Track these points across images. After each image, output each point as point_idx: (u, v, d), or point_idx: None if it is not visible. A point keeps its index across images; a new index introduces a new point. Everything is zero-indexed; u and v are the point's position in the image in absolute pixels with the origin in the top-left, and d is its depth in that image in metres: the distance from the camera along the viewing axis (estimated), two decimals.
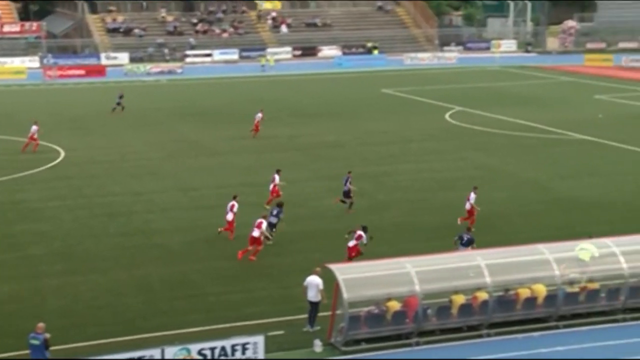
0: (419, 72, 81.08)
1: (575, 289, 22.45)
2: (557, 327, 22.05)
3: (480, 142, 46.14)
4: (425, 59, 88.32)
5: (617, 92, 65.52)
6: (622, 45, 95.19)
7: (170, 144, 46.30)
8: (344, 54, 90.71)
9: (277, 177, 33.31)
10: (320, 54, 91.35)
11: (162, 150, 44.53)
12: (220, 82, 74.08)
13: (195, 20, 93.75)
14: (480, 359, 20.46)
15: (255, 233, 26.84)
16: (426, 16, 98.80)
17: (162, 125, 52.07)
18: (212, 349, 19.32)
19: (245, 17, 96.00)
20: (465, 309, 21.55)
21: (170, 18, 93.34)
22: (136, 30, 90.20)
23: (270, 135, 47.36)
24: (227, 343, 19.51)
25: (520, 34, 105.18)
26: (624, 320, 22.52)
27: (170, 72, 79.72)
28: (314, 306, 21.64)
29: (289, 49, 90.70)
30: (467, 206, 30.36)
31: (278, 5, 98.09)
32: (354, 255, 25.71)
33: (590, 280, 22.69)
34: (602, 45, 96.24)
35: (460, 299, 21.60)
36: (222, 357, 19.40)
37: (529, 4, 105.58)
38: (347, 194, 32.61)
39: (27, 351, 18.92)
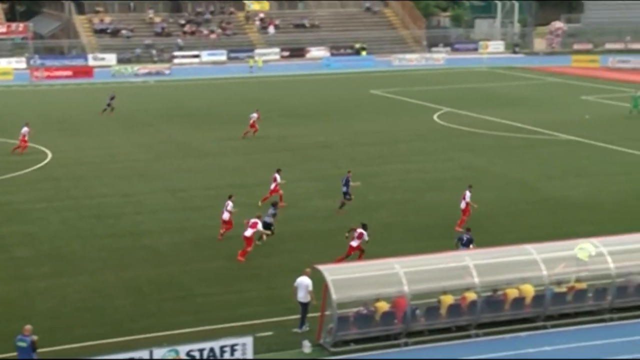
0: (407, 73, 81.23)
1: (563, 289, 22.55)
2: (544, 327, 22.14)
3: (468, 142, 46.27)
4: (413, 60, 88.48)
5: (603, 92, 65.86)
6: (608, 46, 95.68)
7: (159, 145, 46.19)
8: (332, 55, 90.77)
9: (277, 176, 33.34)
10: (308, 55, 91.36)
11: (150, 152, 44.43)
12: (209, 83, 73.98)
13: (183, 21, 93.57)
14: (468, 359, 20.52)
15: (248, 233, 26.84)
16: (414, 17, 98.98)
17: (150, 127, 51.95)
18: (201, 350, 19.30)
19: (233, 18, 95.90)
20: (454, 309, 21.61)
21: (157, 19, 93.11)
22: (124, 31, 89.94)
23: (259, 136, 47.32)
24: (216, 344, 19.49)
25: (507, 35, 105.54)
26: (611, 320, 22.63)
27: (158, 73, 79.55)
28: (304, 307, 21.65)
29: (277, 50, 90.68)
30: (462, 205, 30.46)
31: (266, 6, 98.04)
32: (360, 254, 25.70)
33: (578, 280, 22.80)
34: (589, 46, 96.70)
35: (448, 300, 21.65)
36: (211, 358, 19.37)
37: (517, 5, 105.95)
38: (346, 194, 32.64)
39: (14, 353, 18.83)
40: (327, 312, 21.06)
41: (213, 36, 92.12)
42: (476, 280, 21.61)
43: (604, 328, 22.29)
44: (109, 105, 55.63)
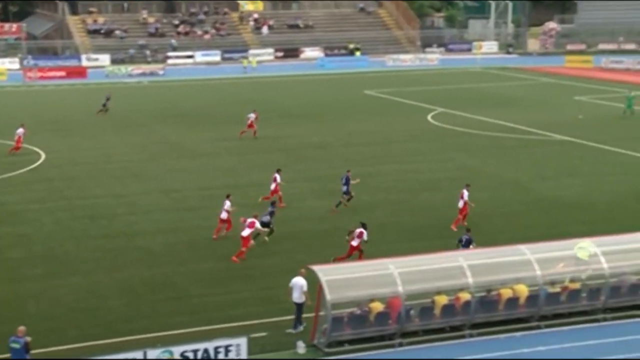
0: (401, 73, 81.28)
1: (557, 289, 22.59)
2: (538, 327, 22.18)
3: (462, 143, 46.33)
4: (407, 60, 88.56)
5: (597, 93, 66.01)
6: (601, 46, 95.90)
7: (152, 145, 46.13)
8: (326, 55, 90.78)
9: (277, 176, 33.34)
10: (302, 56, 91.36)
11: (144, 152, 44.36)
12: (202, 84, 73.91)
13: (176, 22, 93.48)
14: (462, 359, 20.53)
15: (245, 233, 26.85)
16: (408, 18, 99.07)
17: (144, 127, 51.87)
18: (195, 351, 19.28)
19: (227, 19, 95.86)
20: (448, 309, 21.63)
21: (151, 19, 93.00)
22: (117, 32, 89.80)
23: (252, 137, 47.27)
24: (210, 345, 19.47)
25: (501, 36, 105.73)
26: (605, 320, 22.68)
27: (152, 73, 79.43)
28: (298, 307, 21.65)
29: (271, 50, 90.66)
30: (460, 204, 30.53)
31: (260, 6, 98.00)
32: (359, 254, 25.75)
33: (572, 281, 22.84)
34: (582, 46, 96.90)
35: (442, 300, 21.67)
36: (205, 359, 19.34)
37: (510, 6, 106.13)
38: (345, 194, 32.69)
39: (7, 355, 18.76)
40: (322, 313, 21.06)
41: (207, 36, 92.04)
42: (470, 280, 21.63)
43: (598, 328, 22.33)
44: (104, 105, 55.56)
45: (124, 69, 79.93)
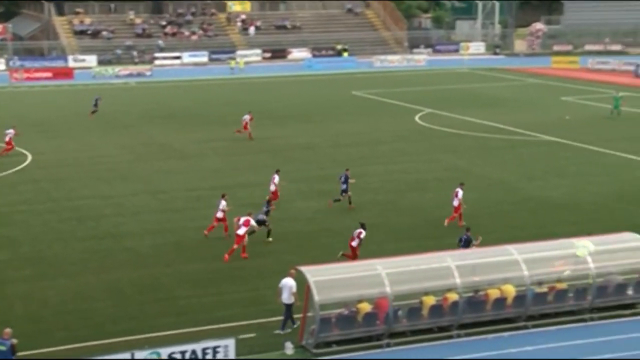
0: (389, 74, 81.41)
1: (544, 289, 22.68)
2: (526, 327, 22.25)
3: (449, 143, 46.45)
4: (394, 61, 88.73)
5: (583, 93, 66.33)
6: (588, 47, 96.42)
7: (140, 146, 46.01)
8: (314, 56, 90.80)
9: (277, 177, 33.36)
10: (290, 57, 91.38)
11: (132, 153, 44.23)
12: (190, 85, 73.79)
13: (164, 23, 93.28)
14: (450, 359, 20.63)
15: (241, 231, 26.86)
16: (395, 18, 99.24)
17: (131, 128, 51.73)
18: (183, 353, 19.24)
19: (214, 20, 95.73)
20: (436, 310, 21.67)
21: (138, 20, 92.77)
22: (104, 33, 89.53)
23: (241, 138, 47.26)
24: (198, 346, 19.44)
25: (488, 37, 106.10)
26: (591, 319, 22.79)
27: (139, 74, 79.22)
28: (287, 308, 21.65)
29: (258, 51, 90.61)
30: (455, 203, 30.65)
31: (248, 7, 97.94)
32: (355, 253, 25.82)
33: (559, 280, 22.94)
34: (569, 47, 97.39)
35: (430, 300, 21.71)
36: None
37: (497, 7, 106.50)
38: (344, 192, 32.78)
39: None
40: (310, 314, 21.06)
41: (194, 37, 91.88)
42: (458, 281, 21.69)
43: (584, 328, 22.44)
44: (95, 106, 55.44)
45: (111, 70, 79.67)
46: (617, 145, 45.13)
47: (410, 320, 21.60)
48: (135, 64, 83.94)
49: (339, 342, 21.00)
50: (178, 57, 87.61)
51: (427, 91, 68.37)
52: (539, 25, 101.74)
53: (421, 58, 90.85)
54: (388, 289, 21.01)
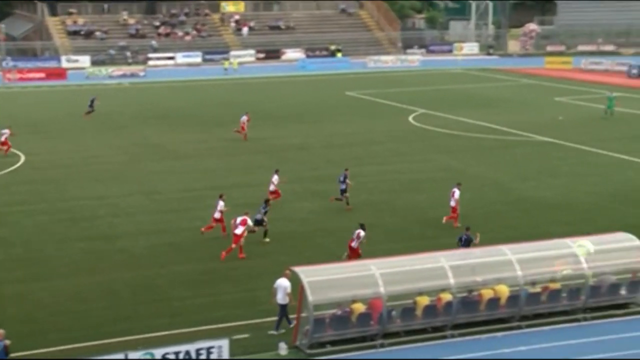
0: (383, 74, 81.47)
1: (537, 289, 22.73)
2: (519, 327, 22.30)
3: (443, 144, 46.52)
4: (388, 61, 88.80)
5: (576, 94, 66.48)
6: (581, 48, 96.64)
7: (134, 147, 45.96)
8: (308, 56, 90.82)
9: (276, 177, 33.39)
10: (283, 57, 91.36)
11: (126, 154, 44.18)
12: (184, 85, 73.72)
13: (157, 23, 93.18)
14: None
15: (238, 231, 26.89)
16: (389, 19, 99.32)
17: (125, 129, 51.66)
18: (177, 353, 19.23)
19: (208, 20, 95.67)
20: (430, 310, 21.70)
21: (132, 21, 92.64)
22: (97, 33, 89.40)
23: (235, 138, 47.26)
24: (192, 347, 19.43)
25: (481, 37, 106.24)
26: (585, 319, 22.84)
27: (132, 75, 79.10)
28: (282, 309, 21.66)
29: (252, 51, 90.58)
30: (452, 203, 30.70)
31: (241, 7, 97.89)
32: (349, 254, 25.84)
33: (552, 280, 23.00)
34: (562, 48, 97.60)
35: (424, 301, 21.74)
36: None
37: (491, 7, 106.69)
38: (343, 192, 32.81)
39: None
40: (304, 314, 21.07)
41: (188, 38, 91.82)
42: (452, 281, 21.72)
43: (578, 328, 22.49)
44: (91, 106, 55.37)
45: (104, 70, 79.55)
46: (610, 146, 45.26)
47: (404, 320, 21.63)
48: (129, 64, 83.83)
49: (332, 343, 21.01)
50: (171, 58, 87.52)
51: (420, 91, 68.44)
52: (532, 26, 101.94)
53: (415, 58, 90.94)
54: (382, 290, 21.04)
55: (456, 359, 20.71)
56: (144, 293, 24.60)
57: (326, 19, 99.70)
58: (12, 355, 18.64)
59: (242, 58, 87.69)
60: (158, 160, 42.53)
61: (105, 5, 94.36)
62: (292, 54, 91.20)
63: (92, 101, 55.70)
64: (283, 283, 21.65)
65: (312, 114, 57.26)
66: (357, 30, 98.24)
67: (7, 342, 18.40)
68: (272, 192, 33.32)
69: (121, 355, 18.80)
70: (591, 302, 23.03)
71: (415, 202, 34.38)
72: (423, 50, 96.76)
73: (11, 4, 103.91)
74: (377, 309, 21.12)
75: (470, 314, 22.10)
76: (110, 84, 74.52)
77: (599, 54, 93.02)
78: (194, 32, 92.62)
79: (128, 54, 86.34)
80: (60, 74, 77.60)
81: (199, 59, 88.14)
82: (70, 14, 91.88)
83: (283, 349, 20.78)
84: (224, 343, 19.75)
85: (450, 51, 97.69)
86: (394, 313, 21.56)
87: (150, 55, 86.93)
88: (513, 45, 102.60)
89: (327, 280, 21.30)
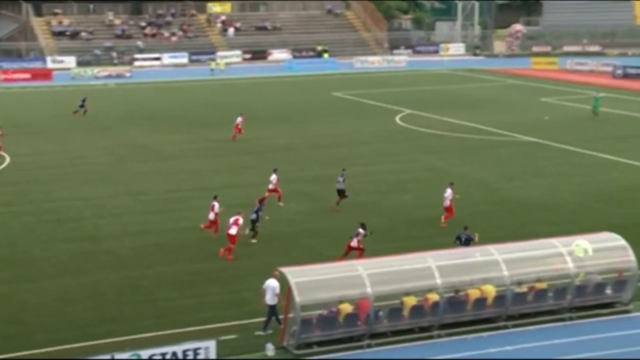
0: (369, 75, 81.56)
1: (524, 289, 22.82)
2: (506, 327, 22.38)
3: (429, 144, 46.64)
4: (375, 62, 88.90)
5: (562, 94, 66.79)
6: (566, 48, 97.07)
7: (120, 148, 45.81)
8: (294, 57, 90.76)
9: (274, 176, 33.42)
10: (270, 58, 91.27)
11: (112, 155, 44.03)
12: (170, 86, 73.53)
13: (143, 24, 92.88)
14: None
15: (232, 231, 26.87)
16: (375, 20, 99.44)
17: (111, 130, 51.47)
18: (163, 354, 19.18)
19: (194, 21, 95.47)
20: (417, 310, 21.75)
21: (117, 21, 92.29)
22: (83, 34, 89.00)
23: (221, 139, 47.20)
24: (179, 348, 19.39)
25: (468, 38, 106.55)
26: (571, 319, 22.96)
27: (118, 75, 78.81)
28: (270, 309, 21.65)
29: (239, 52, 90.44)
30: (447, 203, 30.77)
31: (228, 8, 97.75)
32: (344, 254, 25.81)
33: (538, 280, 23.10)
34: (548, 48, 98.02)
35: (411, 301, 21.79)
36: None
37: (477, 8, 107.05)
38: (341, 192, 32.84)
39: None
40: (291, 315, 21.07)
41: (174, 38, 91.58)
42: (438, 281, 21.78)
43: (564, 327, 22.60)
44: (82, 107, 55.17)
45: (90, 71, 79.21)
46: (595, 146, 45.50)
47: (391, 320, 21.67)
48: (115, 65, 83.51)
49: (320, 343, 21.02)
50: (158, 58, 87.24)
51: (407, 92, 68.56)
52: (518, 27, 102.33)
53: (401, 59, 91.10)
54: (369, 290, 21.07)
55: (443, 359, 20.77)
56: (130, 294, 24.53)
57: (313, 19, 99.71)
58: None
59: (229, 59, 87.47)
60: (144, 161, 42.41)
61: (91, 6, 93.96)
62: (279, 55, 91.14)
63: (84, 101, 55.48)
64: (272, 284, 21.65)
65: (298, 115, 57.25)
66: (344, 30, 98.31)
67: None
68: (271, 191, 33.34)
69: (108, 357, 18.73)
70: (577, 302, 23.15)
71: (402, 203, 34.45)
72: (409, 51, 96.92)
73: None
74: (365, 309, 21.14)
75: (457, 314, 22.17)
76: (96, 84, 74.19)
77: (584, 54, 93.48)
78: (180, 33, 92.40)
79: (114, 54, 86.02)
80: (45, 74, 77.20)
81: (185, 60, 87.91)
82: (55, 14, 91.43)
83: (270, 349, 20.77)
84: (211, 344, 19.72)
85: (436, 52, 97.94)
86: (381, 313, 21.60)
87: (136, 55, 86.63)
88: (499, 46, 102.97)
89: (315, 281, 21.31)
